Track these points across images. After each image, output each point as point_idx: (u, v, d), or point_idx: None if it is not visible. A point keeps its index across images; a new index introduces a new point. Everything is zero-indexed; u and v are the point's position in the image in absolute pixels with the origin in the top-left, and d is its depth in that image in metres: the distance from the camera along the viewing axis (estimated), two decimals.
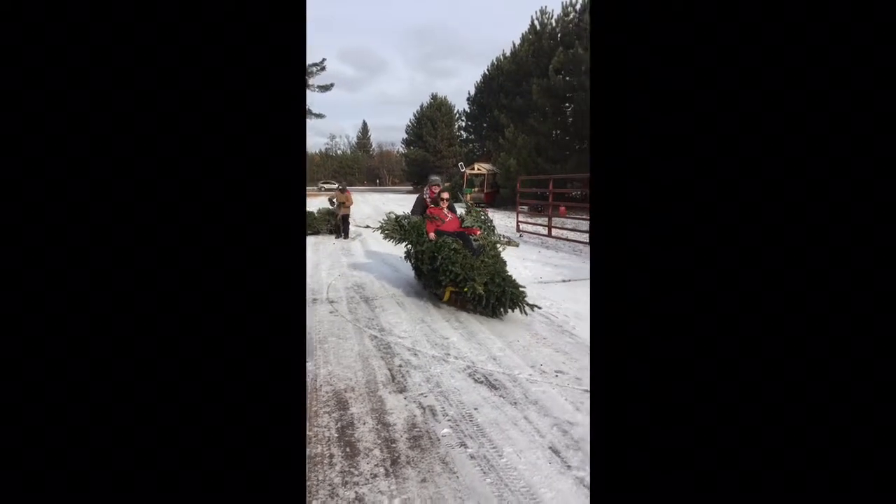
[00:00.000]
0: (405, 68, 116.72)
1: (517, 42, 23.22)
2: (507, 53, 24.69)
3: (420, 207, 5.18)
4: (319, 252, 8.12)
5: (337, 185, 11.08)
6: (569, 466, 2.02)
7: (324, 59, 30.20)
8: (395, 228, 4.73)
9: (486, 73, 27.24)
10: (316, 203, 13.09)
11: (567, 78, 17.82)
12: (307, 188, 39.19)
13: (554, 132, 19.09)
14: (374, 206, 13.89)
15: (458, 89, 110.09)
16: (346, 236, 9.91)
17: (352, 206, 10.34)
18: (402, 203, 20.72)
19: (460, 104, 41.35)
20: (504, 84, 23.34)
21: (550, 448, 2.16)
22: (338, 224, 10.10)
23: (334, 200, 10.32)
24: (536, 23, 21.07)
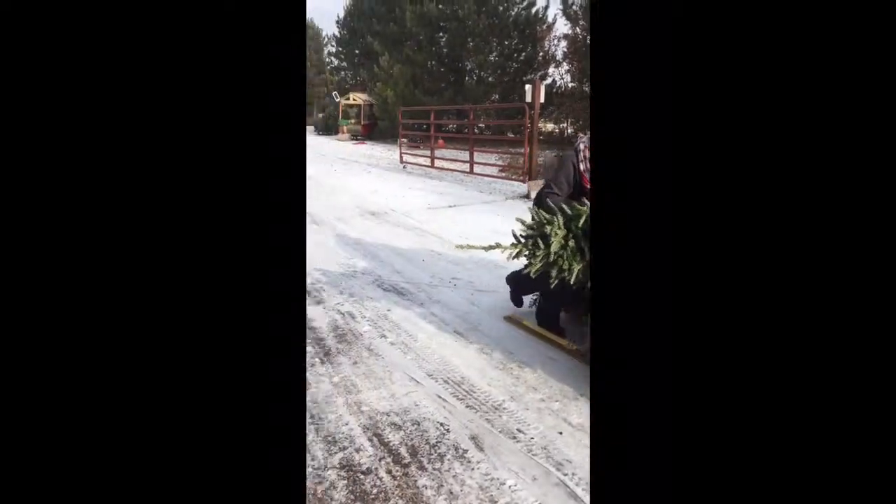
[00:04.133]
0: None
1: None
2: None
3: (569, 181, 2.57)
4: None
5: None
6: (470, 342, 2.54)
7: None
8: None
9: None
10: None
11: (440, 6, 17.67)
12: None
13: (429, 62, 19.07)
14: None
15: (318, 8, 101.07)
16: None
17: None
18: None
19: (326, 28, 38.49)
20: (376, 8, 22.35)
21: (455, 332, 2.67)
22: None
23: None
24: None
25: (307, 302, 3.07)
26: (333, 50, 31.86)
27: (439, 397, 2.04)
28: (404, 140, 12.19)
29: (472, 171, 9.14)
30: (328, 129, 22.23)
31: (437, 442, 1.77)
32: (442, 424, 1.86)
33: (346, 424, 1.86)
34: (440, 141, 11.29)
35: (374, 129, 20.01)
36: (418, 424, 1.86)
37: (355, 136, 19.59)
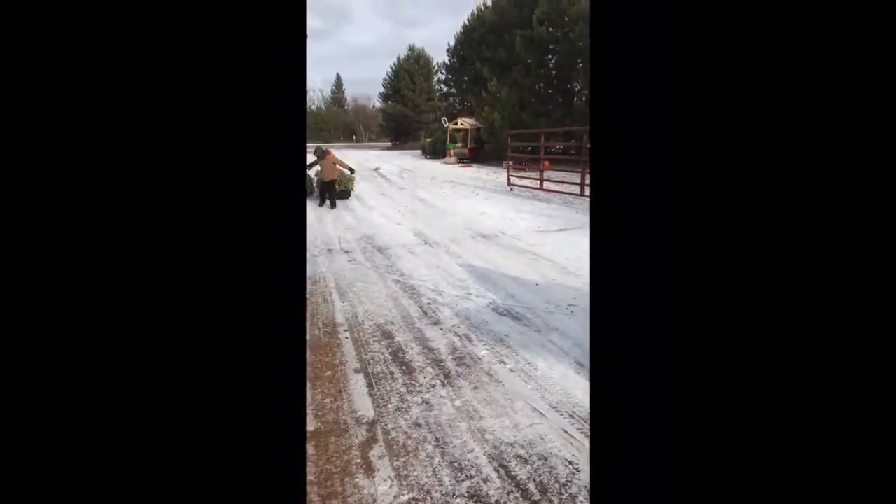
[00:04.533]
0: (371, 16, 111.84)
1: None
2: (489, 3, 24.12)
3: None
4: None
5: (314, 153, 8.58)
6: None
7: None
8: None
9: (467, 23, 26.61)
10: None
11: (550, 29, 17.67)
12: None
13: (537, 85, 19.08)
14: (355, 161, 13.90)
15: (430, 40, 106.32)
16: (333, 205, 8.37)
17: (338, 169, 8.65)
18: (384, 159, 20.62)
19: (434, 56, 40.26)
20: (486, 36, 22.94)
21: (576, 362, 2.55)
22: (322, 191, 8.63)
23: (315, 168, 8.64)
24: None
25: (424, 322, 3.14)
26: (443, 77, 33.18)
27: (565, 432, 1.95)
28: (511, 162, 12.22)
29: (582, 194, 8.89)
30: (435, 152, 23.04)
31: (566, 481, 1.68)
32: (571, 462, 1.77)
33: (472, 451, 1.84)
34: (546, 163, 11.16)
35: (480, 152, 20.37)
36: (545, 460, 1.79)
37: (462, 159, 20.08)
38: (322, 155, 8.49)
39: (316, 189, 9.03)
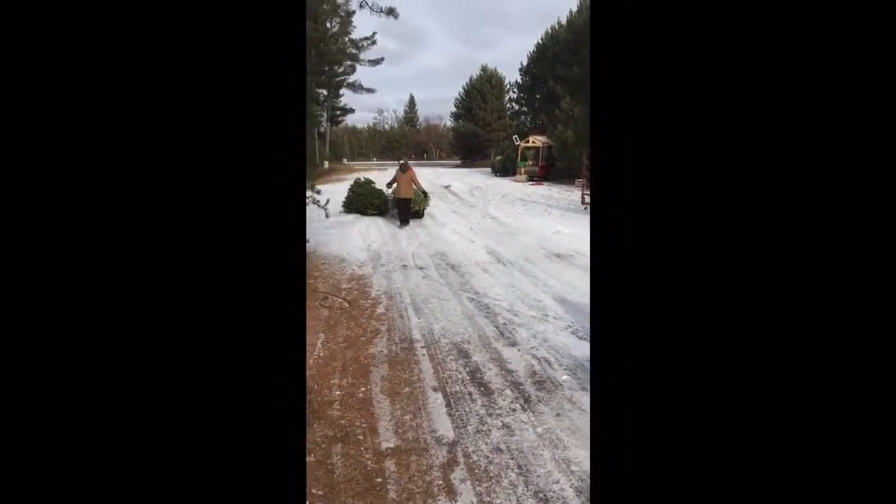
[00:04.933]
0: (444, 39, 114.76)
1: (573, 9, 22.53)
2: (563, 22, 24.00)
3: None
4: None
5: (401, 163, 8.46)
6: None
7: (374, 34, 30.23)
8: None
9: (541, 42, 26.61)
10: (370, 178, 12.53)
11: None
12: (356, 163, 39.79)
13: None
14: (426, 179, 14.17)
15: (501, 60, 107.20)
16: (405, 222, 8.07)
17: (413, 187, 8.30)
18: (454, 176, 20.88)
19: (505, 75, 40.43)
20: (560, 54, 22.79)
21: None
22: (397, 209, 8.40)
23: (393, 186, 8.55)
24: None
25: (501, 342, 3.08)
26: (514, 96, 33.28)
27: None
28: (585, 181, 11.93)
29: None
30: (505, 170, 23.01)
31: None
32: None
33: (557, 483, 1.76)
34: None
35: (550, 170, 20.10)
36: None
37: (532, 178, 19.89)
38: (404, 168, 8.25)
39: (392, 207, 8.93)
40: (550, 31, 25.50)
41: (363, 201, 9.10)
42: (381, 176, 11.63)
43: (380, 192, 9.24)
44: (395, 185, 8.43)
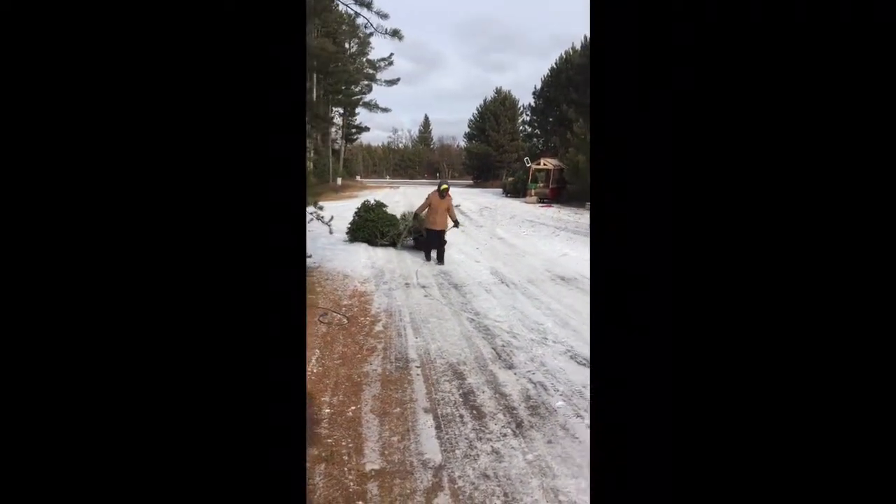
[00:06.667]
0: (460, 62, 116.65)
1: (587, 35, 22.79)
2: (577, 47, 24.30)
3: None
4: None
5: (438, 185, 6.79)
6: None
7: (391, 55, 30.84)
8: None
9: (555, 66, 26.92)
10: (381, 196, 12.21)
11: None
12: (369, 181, 40.19)
13: None
14: None
15: (515, 83, 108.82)
16: (441, 260, 6.46)
17: (450, 218, 6.70)
18: (466, 196, 20.96)
19: (519, 98, 40.87)
20: (573, 78, 23.02)
21: None
22: (429, 241, 6.66)
23: (424, 211, 6.78)
24: None
25: (497, 365, 3.04)
26: (527, 119, 33.56)
27: None
28: None
29: None
30: (516, 191, 23.08)
31: None
32: None
33: None
34: None
35: (561, 192, 20.12)
36: None
37: (542, 199, 19.92)
38: (444, 193, 6.56)
39: (409, 235, 7.44)
40: (564, 56, 25.80)
41: (372, 228, 7.58)
42: (393, 195, 11.59)
43: (393, 218, 7.79)
44: (426, 211, 6.71)
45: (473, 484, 1.86)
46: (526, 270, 6.07)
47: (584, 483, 1.86)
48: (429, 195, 6.71)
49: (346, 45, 28.77)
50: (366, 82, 31.00)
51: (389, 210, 8.12)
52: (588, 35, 21.11)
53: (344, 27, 27.47)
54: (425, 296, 4.72)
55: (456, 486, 1.84)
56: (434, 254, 6.55)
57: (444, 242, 6.62)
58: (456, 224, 6.82)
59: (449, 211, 6.61)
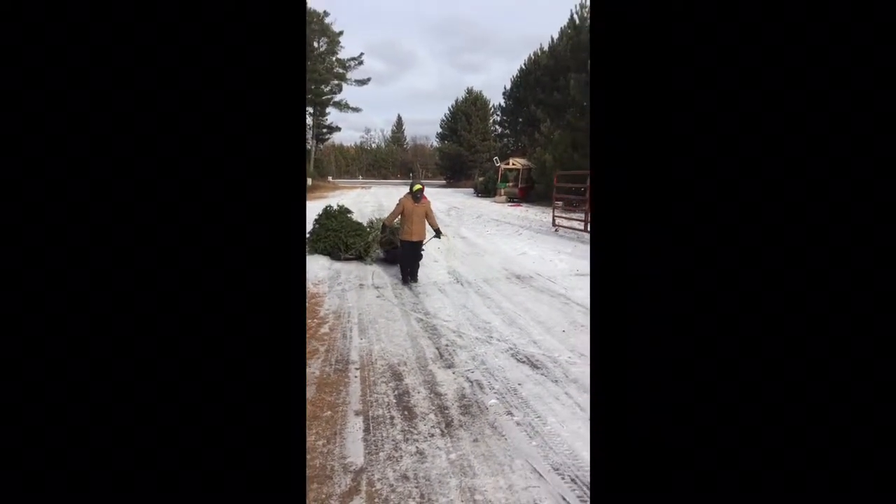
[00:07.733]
0: (433, 62, 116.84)
1: (555, 36, 23.07)
2: (545, 48, 24.54)
3: None
4: None
5: (411, 186, 5.43)
6: None
7: (361, 54, 30.69)
8: None
9: (524, 67, 27.13)
10: (351, 197, 11.92)
11: None
12: (341, 181, 39.78)
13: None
14: None
15: (488, 84, 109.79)
16: (415, 278, 5.28)
17: (430, 225, 5.42)
18: (436, 196, 20.96)
19: (491, 99, 41.09)
20: (541, 79, 23.24)
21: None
22: (405, 257, 5.29)
23: (396, 219, 5.62)
24: (576, 17, 20.87)
25: (437, 364, 3.03)
26: (498, 119, 33.75)
27: (564, 500, 1.77)
28: (559, 203, 12.05)
29: None
30: (487, 191, 23.20)
31: None
32: None
33: None
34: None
35: (530, 192, 20.29)
36: None
37: (511, 199, 20.07)
38: (418, 197, 5.27)
39: (381, 250, 6.30)
40: (533, 57, 26.03)
41: (334, 239, 6.37)
42: (364, 196, 11.44)
43: (359, 226, 6.58)
44: (398, 219, 5.52)
45: (391, 486, 1.85)
46: (483, 269, 6.09)
47: (503, 481, 1.87)
48: (400, 200, 5.39)
49: (315, 45, 28.48)
50: (336, 82, 30.73)
51: (356, 216, 7.07)
52: (555, 36, 21.16)
53: (313, 25, 27.18)
54: (378, 297, 4.69)
55: (373, 489, 1.83)
56: (415, 272, 5.34)
57: (420, 256, 5.42)
58: (438, 234, 5.57)
59: (428, 217, 5.34)
